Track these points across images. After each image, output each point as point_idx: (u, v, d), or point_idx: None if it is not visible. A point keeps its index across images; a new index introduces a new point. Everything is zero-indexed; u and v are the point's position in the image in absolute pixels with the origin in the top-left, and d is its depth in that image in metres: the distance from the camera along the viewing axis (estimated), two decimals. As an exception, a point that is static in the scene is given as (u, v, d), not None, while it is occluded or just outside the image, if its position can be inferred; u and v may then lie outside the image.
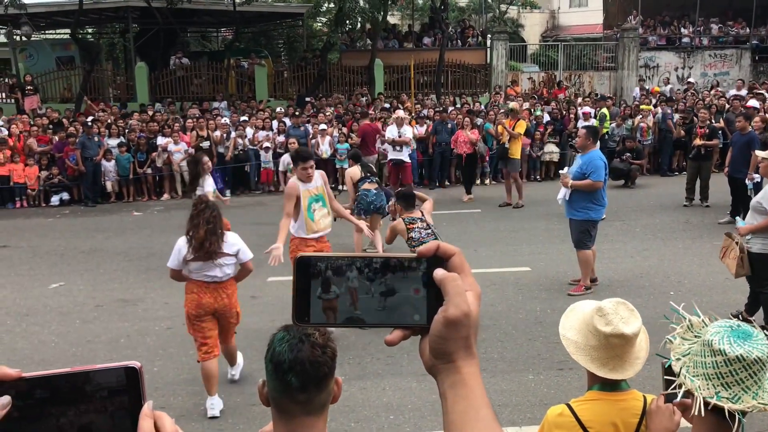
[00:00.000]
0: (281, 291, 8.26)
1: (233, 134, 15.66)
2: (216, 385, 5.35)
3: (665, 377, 1.98)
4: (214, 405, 5.31)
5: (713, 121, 15.59)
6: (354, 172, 9.85)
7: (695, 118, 14.71)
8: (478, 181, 15.79)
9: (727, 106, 16.54)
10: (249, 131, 15.97)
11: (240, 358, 5.99)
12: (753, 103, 15.89)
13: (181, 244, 5.23)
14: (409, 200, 7.57)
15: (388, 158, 13.58)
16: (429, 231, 7.01)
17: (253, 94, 22.04)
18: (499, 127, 13.79)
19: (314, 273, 0.90)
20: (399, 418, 5.23)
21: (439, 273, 0.89)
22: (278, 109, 17.76)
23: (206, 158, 8.33)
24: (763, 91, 18.84)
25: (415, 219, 7.14)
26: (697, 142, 12.81)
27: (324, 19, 29.33)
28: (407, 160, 13.68)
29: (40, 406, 0.80)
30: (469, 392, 0.88)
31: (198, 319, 5.30)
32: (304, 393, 1.72)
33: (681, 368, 1.87)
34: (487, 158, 15.48)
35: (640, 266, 9.02)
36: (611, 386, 2.37)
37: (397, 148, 13.55)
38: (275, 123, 16.43)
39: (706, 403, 1.78)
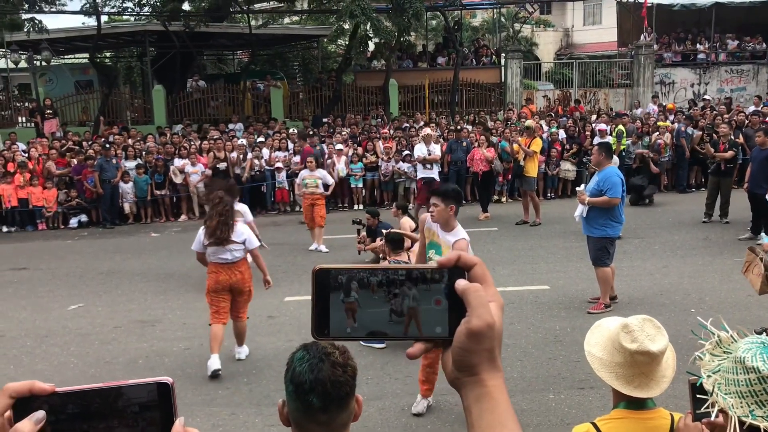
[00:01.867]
0: (298, 310, 8.24)
1: (249, 155, 15.75)
2: (218, 347, 6.42)
3: (695, 395, 1.93)
4: (213, 362, 6.35)
5: (734, 136, 15.50)
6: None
7: (715, 135, 14.62)
8: (495, 199, 15.76)
9: (746, 121, 16.40)
10: (265, 152, 16.07)
11: (245, 348, 6.90)
12: None
13: (201, 232, 6.46)
14: (397, 244, 7.59)
15: (418, 176, 13.59)
16: None
17: (268, 116, 22.21)
18: (515, 146, 13.77)
19: (334, 285, 0.88)
20: (418, 438, 5.17)
21: (461, 284, 0.87)
22: (291, 130, 17.85)
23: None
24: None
25: (400, 263, 7.07)
26: (710, 151, 12.78)
27: (342, 42, 29.56)
28: (437, 178, 13.68)
29: (73, 421, 0.80)
30: (495, 406, 0.86)
31: (215, 292, 6.52)
32: (325, 413, 1.70)
33: (713, 386, 1.83)
34: (510, 176, 15.40)
35: (659, 284, 8.92)
36: (637, 404, 2.32)
37: (428, 166, 13.58)
38: (290, 144, 16.51)
39: (741, 422, 1.74)
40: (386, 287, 0.88)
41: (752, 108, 19.36)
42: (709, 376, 1.83)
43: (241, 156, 15.64)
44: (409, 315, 0.88)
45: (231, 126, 19.70)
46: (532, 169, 13.19)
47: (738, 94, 24.42)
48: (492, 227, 13.19)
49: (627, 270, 9.40)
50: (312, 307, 0.89)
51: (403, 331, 0.89)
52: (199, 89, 23.42)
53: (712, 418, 1.80)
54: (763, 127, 12.21)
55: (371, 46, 26.15)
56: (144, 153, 16.21)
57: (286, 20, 30.26)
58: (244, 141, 16.72)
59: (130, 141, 17.03)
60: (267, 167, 15.92)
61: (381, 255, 8.87)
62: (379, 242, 9.67)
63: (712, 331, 1.94)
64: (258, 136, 17.26)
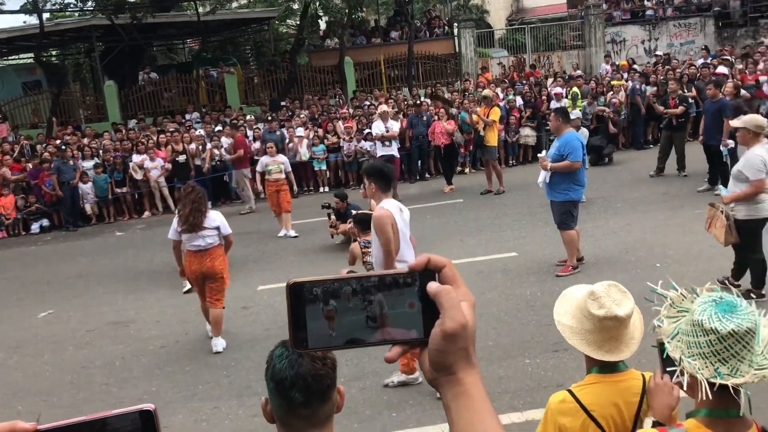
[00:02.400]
0: (272, 299, 8.25)
1: (209, 146, 15.58)
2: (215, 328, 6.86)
3: (663, 354, 2.01)
4: (216, 344, 6.82)
5: (684, 91, 15.78)
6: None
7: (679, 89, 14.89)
8: (458, 170, 15.85)
9: (698, 74, 16.68)
10: (225, 141, 15.91)
11: (222, 341, 6.90)
12: (722, 69, 16.02)
13: (175, 221, 6.79)
14: (366, 225, 7.57)
15: (378, 155, 13.60)
16: None
17: (224, 103, 21.94)
18: (474, 116, 13.85)
19: (308, 298, 0.91)
20: (401, 414, 5.26)
21: (432, 286, 0.91)
22: (248, 117, 17.68)
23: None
24: (729, 57, 19.01)
25: (370, 243, 7.08)
26: (660, 108, 13.07)
27: (292, 22, 29.22)
28: (397, 154, 13.74)
29: None
30: (473, 403, 0.90)
31: (194, 280, 6.91)
32: (308, 408, 1.73)
33: (677, 353, 1.90)
34: (471, 146, 15.47)
35: (624, 241, 9.11)
36: (609, 368, 2.40)
37: (386, 143, 13.58)
38: (249, 131, 16.35)
39: (711, 384, 1.81)
40: (361, 295, 0.91)
41: (701, 61, 19.69)
42: (669, 342, 1.91)
43: (200, 147, 15.46)
44: (385, 320, 0.92)
45: (187, 116, 19.43)
46: (493, 138, 13.29)
47: (687, 47, 24.79)
48: (457, 199, 13.29)
49: (591, 230, 9.58)
50: (289, 321, 0.92)
51: (380, 337, 0.92)
52: (151, 81, 23.00)
53: (685, 387, 1.88)
54: (714, 79, 12.46)
55: (323, 25, 25.92)
56: (101, 151, 15.90)
57: (234, 4, 29.78)
58: (201, 131, 16.51)
59: (85, 140, 16.69)
60: (227, 156, 15.75)
61: (352, 237, 8.90)
62: (349, 224, 9.69)
63: (663, 295, 2.02)
64: (215, 125, 17.05)
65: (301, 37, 23.43)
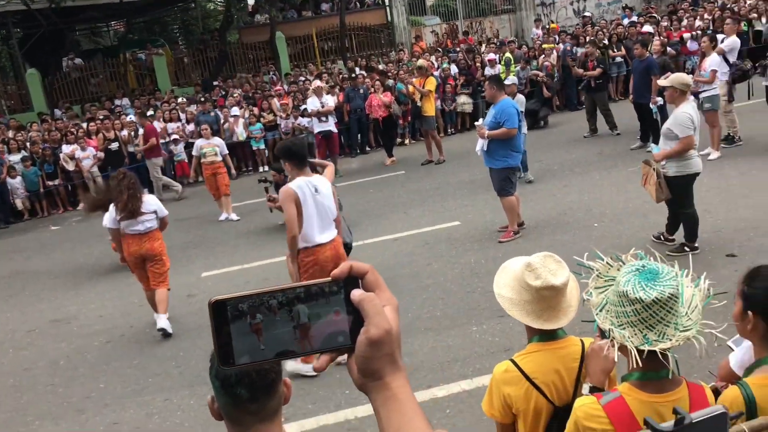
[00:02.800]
0: (217, 285, 8.16)
1: (141, 131, 15.15)
2: (160, 308, 6.87)
3: (598, 327, 2.07)
4: (159, 321, 6.81)
5: (616, 49, 16.16)
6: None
7: (597, 51, 15.17)
8: (398, 142, 15.88)
9: (626, 33, 17.02)
10: (156, 125, 15.51)
11: (166, 321, 6.86)
12: (647, 28, 16.37)
13: (111, 209, 6.73)
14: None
15: (316, 131, 13.46)
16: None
17: (155, 86, 21.34)
18: (410, 87, 13.85)
19: (233, 314, 0.90)
20: (354, 391, 5.26)
21: (356, 294, 0.92)
22: (180, 99, 17.26)
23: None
24: (655, 15, 19.46)
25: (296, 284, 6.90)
26: (578, 72, 13.44)
27: (219, -1, 28.56)
28: (335, 129, 13.67)
29: None
30: (401, 406, 0.91)
31: (134, 264, 6.93)
32: (255, 403, 1.72)
33: (607, 324, 1.97)
34: (409, 117, 15.48)
35: (562, 203, 9.30)
36: (549, 336, 2.46)
37: (323, 119, 13.47)
38: (182, 114, 15.98)
39: (640, 351, 1.89)
40: (287, 307, 0.91)
41: (627, 20, 20.09)
42: (599, 314, 1.98)
43: (132, 133, 15.03)
44: (312, 330, 0.92)
45: (117, 102, 18.84)
46: (430, 108, 13.33)
47: (615, 6, 25.25)
48: (399, 171, 13.33)
49: (530, 194, 9.75)
50: (213, 339, 0.90)
51: (309, 346, 0.93)
52: (76, 67, 22.14)
53: (615, 357, 1.95)
54: (640, 39, 12.73)
55: (251, 0, 25.37)
56: (28, 144, 15.29)
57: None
58: (133, 117, 16.05)
59: (10, 133, 16.03)
60: (161, 140, 15.38)
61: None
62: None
63: (590, 267, 2.08)
64: (147, 110, 16.59)
65: (229, 14, 22.89)
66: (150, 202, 6.88)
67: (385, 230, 9.40)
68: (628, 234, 7.70)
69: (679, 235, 7.07)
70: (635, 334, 1.90)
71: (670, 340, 1.88)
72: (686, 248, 6.87)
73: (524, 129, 9.28)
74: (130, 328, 7.39)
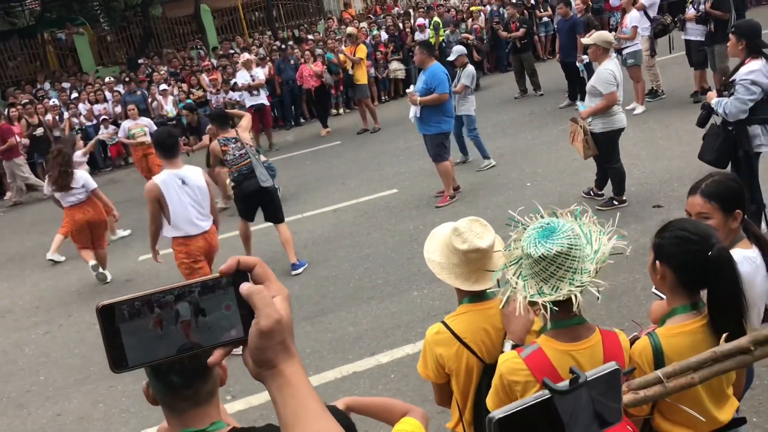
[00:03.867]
0: (155, 268, 8.01)
1: (66, 115, 14.66)
2: (92, 260, 7.88)
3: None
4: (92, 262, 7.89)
5: (543, 9, 16.37)
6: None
7: (525, 12, 15.36)
8: (333, 112, 15.79)
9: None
10: (82, 107, 15.02)
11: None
12: None
13: (46, 179, 7.87)
14: (223, 119, 7.27)
15: (248, 105, 13.24)
16: (243, 151, 6.82)
17: (78, 67, 20.56)
18: (341, 56, 13.75)
19: (121, 317, 0.92)
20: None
21: (244, 288, 0.95)
22: (107, 79, 16.71)
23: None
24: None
25: (228, 140, 6.89)
26: (503, 34, 13.69)
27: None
28: (267, 102, 13.50)
29: None
30: (296, 391, 0.95)
31: (77, 231, 7.82)
32: (189, 388, 1.73)
33: (513, 274, 2.08)
34: (342, 86, 15.38)
35: (496, 165, 9.44)
36: (478, 297, 2.55)
37: (254, 92, 13.27)
38: (108, 94, 15.49)
39: (534, 302, 2.02)
40: (177, 304, 0.93)
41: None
42: (509, 267, 2.09)
43: (57, 117, 14.51)
44: (205, 325, 0.95)
45: (39, 86, 18.10)
46: (362, 77, 13.28)
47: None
48: (335, 141, 13.29)
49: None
50: (104, 344, 0.92)
51: (203, 341, 0.95)
52: (-9, 50, 21.14)
53: (510, 301, 2.10)
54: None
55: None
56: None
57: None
58: (56, 100, 15.47)
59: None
60: (88, 123, 14.92)
61: (211, 137, 8.53)
62: (206, 139, 9.33)
63: (519, 222, 2.18)
64: (71, 92, 16.02)
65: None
66: (79, 177, 7.72)
67: (323, 202, 9.40)
68: (559, 191, 7.91)
69: (608, 190, 7.30)
70: (532, 287, 2.02)
71: (561, 292, 1.99)
72: (615, 202, 7.12)
73: (472, 109, 9.29)
74: (68, 317, 7.24)
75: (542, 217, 2.18)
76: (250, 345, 0.95)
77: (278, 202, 7.20)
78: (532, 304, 2.15)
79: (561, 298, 1.99)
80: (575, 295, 1.98)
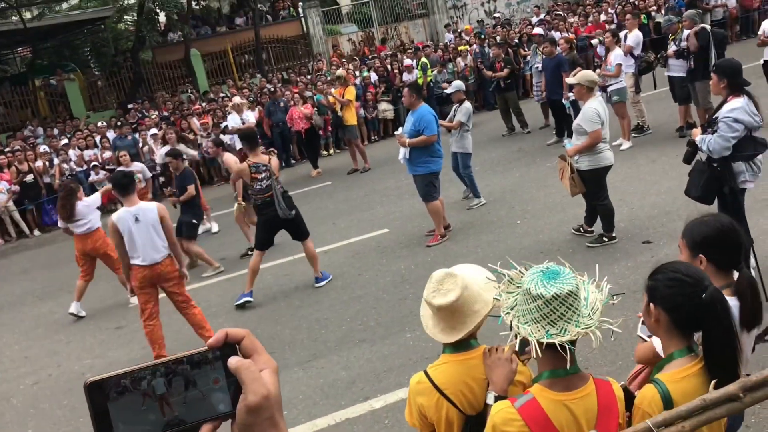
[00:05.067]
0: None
1: (56, 161, 14.67)
2: (75, 303, 8.41)
3: (505, 333, 2.16)
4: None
5: (510, 54, 16.58)
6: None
7: (510, 51, 15.54)
8: (323, 153, 15.88)
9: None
10: (72, 153, 15.04)
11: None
12: (538, 30, 16.30)
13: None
14: (253, 140, 7.62)
15: (238, 148, 13.29)
16: (269, 183, 7.33)
17: (69, 113, 20.66)
18: (330, 98, 13.88)
19: (111, 394, 0.91)
20: (292, 411, 5.28)
21: (232, 362, 0.94)
22: (100, 124, 16.78)
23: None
24: (561, 12, 20.10)
25: (260, 169, 7.30)
26: (488, 74, 13.95)
27: (130, 18, 27.81)
28: None
29: None
30: None
31: (81, 256, 8.43)
32: None
33: (512, 320, 2.08)
34: (330, 127, 15.50)
35: (486, 203, 9.47)
36: (457, 347, 2.54)
37: None
38: (98, 139, 15.53)
39: (541, 343, 2.00)
40: (165, 380, 0.93)
41: (536, 18, 20.67)
42: (507, 313, 2.09)
43: (47, 163, 14.53)
44: (194, 400, 0.94)
45: (27, 132, 18.14)
46: (351, 118, 13.39)
47: (524, 5, 25.95)
48: (325, 182, 13.33)
49: (454, 196, 9.92)
50: (92, 422, 0.90)
51: (192, 417, 0.94)
52: (-18, 98, 21.22)
53: (516, 347, 2.08)
54: (549, 37, 13.12)
55: (163, 18, 24.90)
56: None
57: (65, 5, 27.94)
58: (46, 147, 15.50)
59: None
60: (78, 169, 14.92)
61: (240, 175, 8.39)
62: (190, 189, 9.15)
63: (502, 273, 2.19)
64: (61, 138, 16.06)
65: (141, 34, 22.39)
66: (81, 210, 8.24)
67: (314, 244, 9.34)
68: (549, 229, 7.94)
69: (598, 227, 7.33)
70: (538, 330, 2.02)
71: (570, 334, 1.99)
72: (604, 239, 7.15)
73: (469, 147, 9.29)
74: (57, 367, 7.15)
75: (520, 271, 2.21)
76: (237, 421, 0.94)
77: (300, 220, 7.71)
78: (522, 352, 2.15)
79: (575, 337, 2.00)
80: (568, 348, 1.99)
